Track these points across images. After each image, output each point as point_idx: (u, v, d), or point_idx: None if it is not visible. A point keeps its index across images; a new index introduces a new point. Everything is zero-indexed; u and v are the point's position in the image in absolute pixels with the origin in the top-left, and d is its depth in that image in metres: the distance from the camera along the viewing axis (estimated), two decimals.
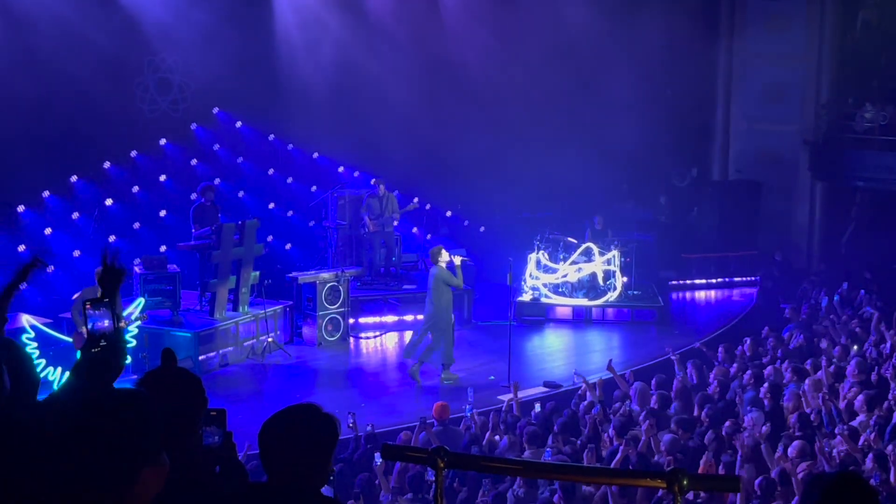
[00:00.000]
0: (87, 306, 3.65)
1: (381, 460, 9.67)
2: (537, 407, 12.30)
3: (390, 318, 17.89)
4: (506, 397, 13.11)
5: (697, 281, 21.64)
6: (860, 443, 10.31)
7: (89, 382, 3.59)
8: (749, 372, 12.88)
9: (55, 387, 13.17)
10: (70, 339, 13.56)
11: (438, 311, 14.95)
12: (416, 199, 18.59)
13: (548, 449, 10.39)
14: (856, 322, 16.01)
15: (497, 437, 11.26)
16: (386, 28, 19.74)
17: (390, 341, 17.42)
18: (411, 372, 15.24)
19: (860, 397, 11.43)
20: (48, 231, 17.10)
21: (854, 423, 10.92)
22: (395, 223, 18.68)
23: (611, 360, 14.11)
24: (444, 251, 15.17)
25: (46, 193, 17.25)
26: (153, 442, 2.81)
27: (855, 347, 14.29)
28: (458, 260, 15.03)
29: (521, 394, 12.86)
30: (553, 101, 20.56)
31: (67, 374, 12.93)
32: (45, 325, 13.77)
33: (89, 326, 3.64)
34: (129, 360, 3.77)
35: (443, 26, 20.20)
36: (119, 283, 4.11)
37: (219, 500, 3.72)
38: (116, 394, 2.89)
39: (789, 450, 10.00)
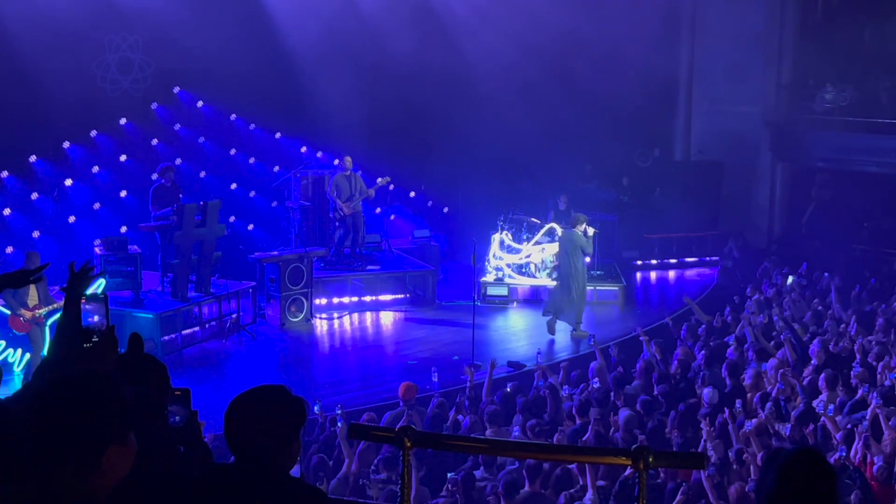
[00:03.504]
0: (83, 301, 3.67)
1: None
2: (508, 387, 12.36)
3: (354, 299, 17.86)
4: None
5: (659, 261, 21.76)
6: (820, 421, 10.43)
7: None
8: (705, 352, 13.02)
9: (15, 369, 13.10)
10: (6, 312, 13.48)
11: (576, 273, 16.00)
12: (386, 177, 18.51)
13: (516, 427, 10.43)
14: (816, 301, 16.19)
15: (461, 418, 11.28)
16: (348, 7, 19.59)
17: (354, 322, 17.40)
18: (548, 323, 16.36)
19: (821, 376, 11.56)
20: (7, 212, 16.90)
21: (815, 402, 11.04)
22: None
23: (593, 335, 14.48)
24: (583, 219, 16.19)
25: (5, 174, 17.05)
26: (118, 422, 2.81)
27: (815, 327, 14.45)
28: (591, 231, 16.12)
29: (479, 374, 12.88)
30: (517, 83, 20.52)
31: (27, 356, 12.80)
32: (4, 307, 13.63)
33: (84, 321, 3.64)
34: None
35: (409, 6, 20.06)
36: (83, 290, 4.08)
37: (184, 480, 3.70)
38: (83, 374, 2.89)
39: (747, 427, 10.10)
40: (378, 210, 20.78)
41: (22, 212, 17.10)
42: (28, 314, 13.38)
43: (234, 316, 16.25)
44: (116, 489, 2.86)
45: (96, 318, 3.67)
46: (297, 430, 3.62)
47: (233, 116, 19.81)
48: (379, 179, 18.33)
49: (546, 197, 20.22)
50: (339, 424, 10.37)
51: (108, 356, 3.63)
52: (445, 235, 21.46)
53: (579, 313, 16.30)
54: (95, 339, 3.61)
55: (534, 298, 18.57)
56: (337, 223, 18.16)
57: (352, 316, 17.56)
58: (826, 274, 17.84)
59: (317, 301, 17.24)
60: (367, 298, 17.92)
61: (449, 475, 9.24)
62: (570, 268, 16.16)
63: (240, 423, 3.57)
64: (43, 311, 13.41)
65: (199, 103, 19.35)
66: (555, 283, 17.18)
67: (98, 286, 14.55)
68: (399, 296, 18.08)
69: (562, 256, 16.55)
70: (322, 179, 18.47)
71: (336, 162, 18.22)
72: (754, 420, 10.27)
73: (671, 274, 21.57)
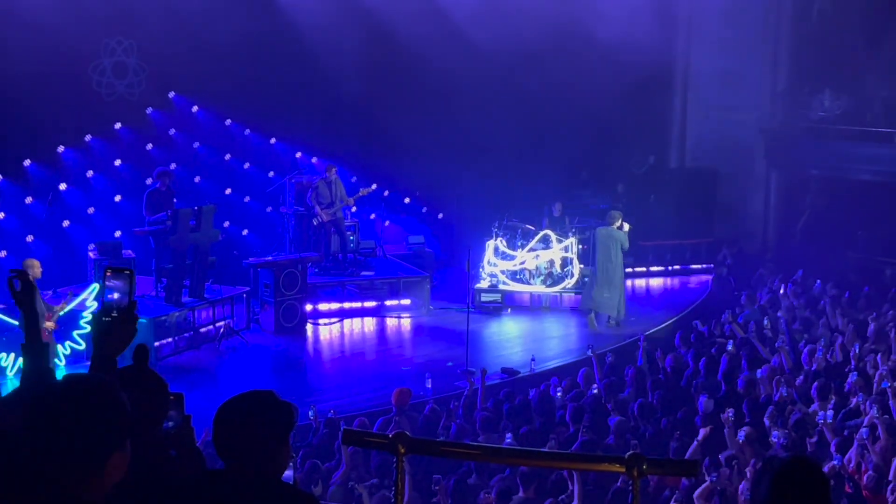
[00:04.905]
0: (108, 273, 3.68)
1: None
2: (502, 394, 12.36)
3: (348, 305, 17.84)
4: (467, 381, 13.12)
5: (653, 268, 21.76)
6: (817, 428, 10.43)
7: (97, 350, 3.62)
8: (703, 358, 13.01)
9: (8, 373, 13.04)
10: (17, 323, 13.34)
11: (615, 266, 16.86)
12: (373, 185, 18.53)
13: (508, 434, 10.42)
14: (810, 309, 16.20)
15: (451, 424, 11.26)
16: (344, 12, 19.58)
17: (348, 328, 17.38)
18: (589, 320, 17.24)
19: (814, 385, 11.56)
20: (1, 216, 16.87)
21: (809, 410, 11.05)
22: (354, 209, 18.61)
23: (591, 345, 14.48)
24: (618, 215, 17.03)
25: None
26: (123, 426, 2.82)
27: (807, 335, 14.47)
28: (626, 227, 16.83)
29: (476, 381, 12.87)
30: (512, 89, 20.53)
31: (21, 360, 12.74)
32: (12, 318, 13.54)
33: (105, 296, 3.66)
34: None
35: (401, 10, 20.07)
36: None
37: (176, 485, 3.69)
38: (86, 380, 2.89)
39: (739, 435, 10.11)
40: (373, 216, 20.79)
41: (16, 216, 17.06)
42: (49, 325, 13.12)
43: (228, 321, 16.22)
44: (108, 495, 2.86)
45: (116, 295, 3.68)
46: (286, 434, 3.61)
47: (228, 121, 19.79)
48: (361, 189, 18.31)
49: (541, 204, 20.21)
50: (341, 427, 10.34)
51: (125, 330, 3.65)
52: (440, 241, 21.45)
53: (621, 304, 17.18)
54: (114, 314, 3.62)
55: (528, 305, 18.58)
56: (320, 229, 18.06)
57: (345, 322, 17.54)
58: (818, 282, 17.86)
59: (311, 307, 17.23)
60: (361, 304, 17.90)
61: (434, 477, 9.23)
62: (610, 262, 16.87)
63: (228, 428, 3.56)
64: (57, 313, 13.16)
65: (195, 108, 19.33)
66: (587, 279, 17.87)
67: (92, 291, 14.52)
68: (393, 302, 18.06)
69: (600, 252, 17.08)
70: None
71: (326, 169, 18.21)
72: (744, 428, 10.27)
73: (665, 281, 21.56)
